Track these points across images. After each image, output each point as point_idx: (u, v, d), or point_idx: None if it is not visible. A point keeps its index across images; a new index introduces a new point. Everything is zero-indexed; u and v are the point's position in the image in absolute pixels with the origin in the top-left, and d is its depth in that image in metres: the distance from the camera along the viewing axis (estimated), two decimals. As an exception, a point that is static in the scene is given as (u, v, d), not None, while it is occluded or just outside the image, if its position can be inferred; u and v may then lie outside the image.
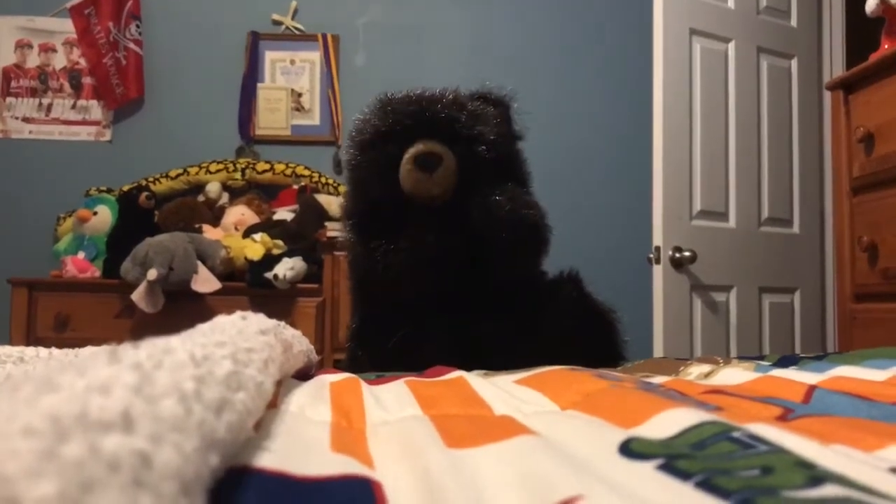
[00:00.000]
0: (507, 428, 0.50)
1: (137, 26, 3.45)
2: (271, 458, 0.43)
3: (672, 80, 2.59)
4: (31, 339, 2.70)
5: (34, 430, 0.26)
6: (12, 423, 0.26)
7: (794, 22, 2.95)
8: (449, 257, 1.09)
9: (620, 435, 0.46)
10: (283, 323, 0.73)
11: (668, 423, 0.46)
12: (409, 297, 1.11)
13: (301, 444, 0.48)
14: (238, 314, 0.63)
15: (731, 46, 2.76)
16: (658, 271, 2.50)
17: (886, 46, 2.08)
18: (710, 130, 2.69)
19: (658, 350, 2.46)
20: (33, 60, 3.46)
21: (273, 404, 0.59)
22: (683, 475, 0.38)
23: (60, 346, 1.13)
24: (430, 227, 1.10)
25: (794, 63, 2.93)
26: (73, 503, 0.24)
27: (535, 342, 0.94)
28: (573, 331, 1.10)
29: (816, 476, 0.35)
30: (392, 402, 0.65)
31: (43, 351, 1.02)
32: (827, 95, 2.84)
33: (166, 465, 0.29)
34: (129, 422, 0.29)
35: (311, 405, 0.62)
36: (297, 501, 0.36)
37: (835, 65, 3.06)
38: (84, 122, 3.45)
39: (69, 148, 3.43)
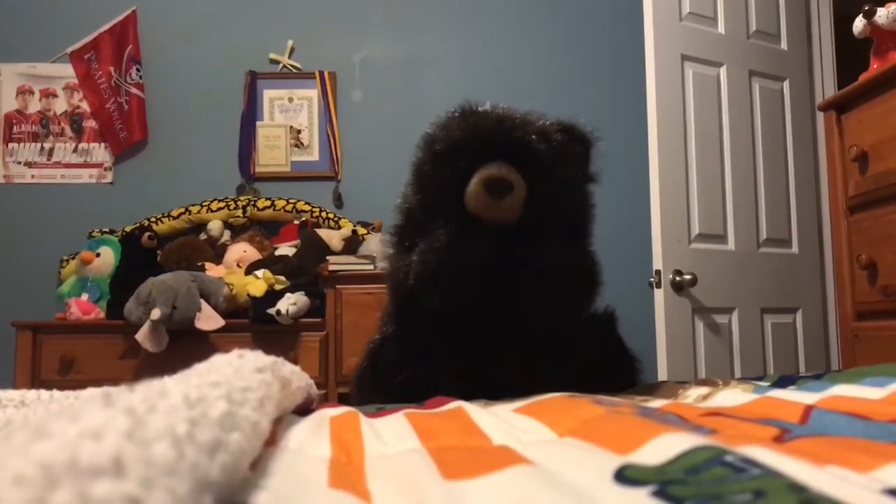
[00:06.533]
0: (504, 458, 0.51)
1: (138, 70, 3.49)
2: (267, 497, 0.43)
3: (666, 106, 2.61)
4: (36, 382, 2.70)
5: (24, 479, 0.26)
6: (2, 472, 0.27)
7: (784, 45, 2.98)
8: (479, 269, 1.03)
9: (616, 461, 0.46)
10: (281, 359, 0.73)
11: (662, 448, 0.46)
12: (434, 305, 1.05)
13: (298, 481, 0.48)
14: (235, 352, 0.63)
15: (723, 71, 2.79)
16: (659, 295, 2.50)
17: (875, 66, 2.10)
18: (706, 154, 2.70)
19: (662, 373, 2.45)
20: (34, 106, 3.50)
21: (272, 442, 0.59)
22: (676, 501, 0.38)
23: (65, 388, 1.12)
24: (473, 240, 1.03)
25: (786, 85, 2.95)
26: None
27: (556, 385, 0.91)
28: (595, 381, 1.05)
29: (808, 499, 0.35)
30: (391, 436, 0.65)
31: (44, 394, 1.02)
32: (820, 116, 2.86)
33: (158, 508, 0.29)
34: (120, 467, 0.30)
35: (311, 441, 0.62)
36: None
37: (826, 85, 3.08)
38: (86, 165, 3.48)
39: (71, 191, 3.46)
